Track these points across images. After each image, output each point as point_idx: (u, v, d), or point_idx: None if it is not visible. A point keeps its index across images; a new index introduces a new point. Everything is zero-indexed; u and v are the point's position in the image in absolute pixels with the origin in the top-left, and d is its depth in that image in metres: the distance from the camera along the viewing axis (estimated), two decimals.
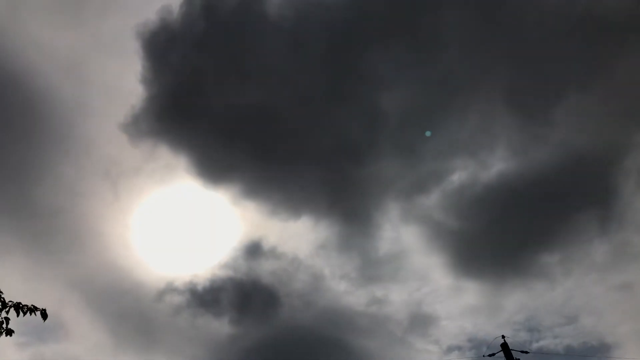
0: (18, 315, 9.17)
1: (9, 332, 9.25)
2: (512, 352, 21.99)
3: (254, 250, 44.67)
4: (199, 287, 39.90)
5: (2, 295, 9.09)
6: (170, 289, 39.69)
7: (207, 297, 40.10)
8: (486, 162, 51.78)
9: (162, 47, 41.77)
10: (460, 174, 52.59)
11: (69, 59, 42.96)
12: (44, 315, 9.42)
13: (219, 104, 44.08)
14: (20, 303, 9.22)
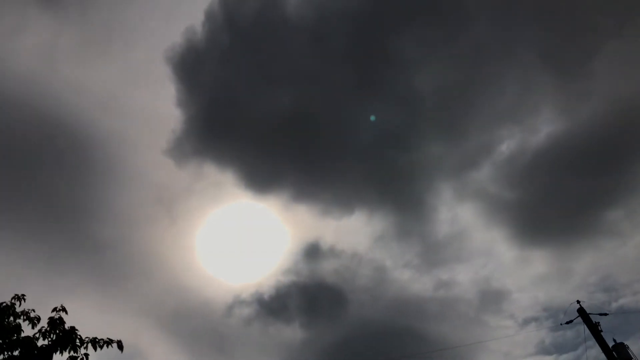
0: (95, 349, 9.49)
1: None
2: (590, 316, 21.25)
3: (312, 252, 44.95)
4: (265, 296, 40.46)
5: (78, 333, 9.43)
6: (238, 301, 40.42)
7: (274, 305, 40.62)
8: (533, 127, 50.40)
9: (192, 67, 42.56)
10: (508, 143, 51.38)
11: (105, 94, 44.43)
12: (120, 346, 9.71)
13: (254, 114, 44.55)
14: (96, 338, 9.53)
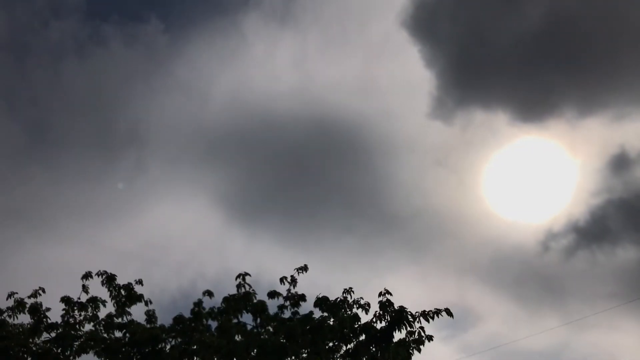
0: (428, 321, 9.89)
1: (430, 338, 10.03)
2: None
3: (620, 164, 39.75)
4: (581, 223, 37.37)
5: (408, 310, 9.95)
6: (551, 235, 38.19)
7: (594, 231, 37.23)
8: None
9: (426, 23, 41.72)
10: None
11: (354, 81, 46.68)
12: (449, 313, 9.94)
13: (502, 41, 41.59)
14: (425, 310, 9.94)
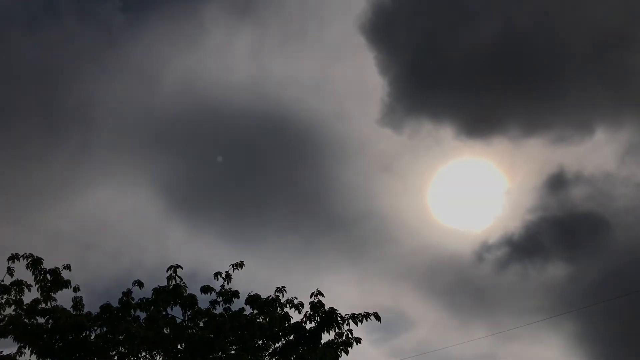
0: (357, 324, 10.10)
1: (357, 341, 10.22)
2: None
3: (557, 183, 41.49)
4: (515, 237, 38.76)
5: (338, 312, 10.12)
6: (486, 247, 39.43)
7: (527, 245, 38.66)
8: None
9: (384, 30, 42.18)
10: None
11: (310, 80, 46.71)
12: (378, 317, 10.18)
13: (455, 55, 42.64)
14: (354, 313, 10.15)
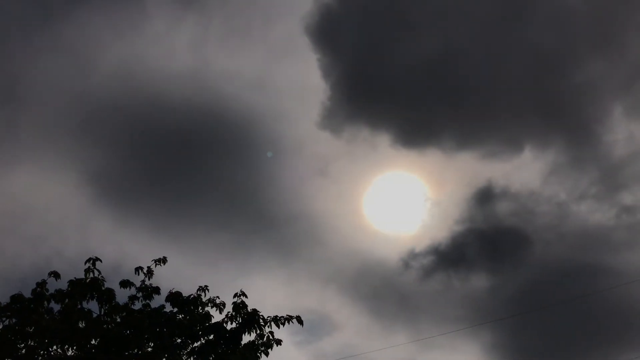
0: (278, 327, 10.12)
1: (278, 342, 10.23)
2: None
3: (484, 197, 43.19)
4: (442, 247, 39.98)
5: (260, 314, 10.10)
6: (412, 255, 40.45)
7: (452, 255, 39.98)
8: None
9: (329, 33, 42.48)
10: None
11: (253, 77, 46.36)
12: (300, 321, 10.24)
13: (396, 66, 43.47)
14: (277, 316, 10.16)
